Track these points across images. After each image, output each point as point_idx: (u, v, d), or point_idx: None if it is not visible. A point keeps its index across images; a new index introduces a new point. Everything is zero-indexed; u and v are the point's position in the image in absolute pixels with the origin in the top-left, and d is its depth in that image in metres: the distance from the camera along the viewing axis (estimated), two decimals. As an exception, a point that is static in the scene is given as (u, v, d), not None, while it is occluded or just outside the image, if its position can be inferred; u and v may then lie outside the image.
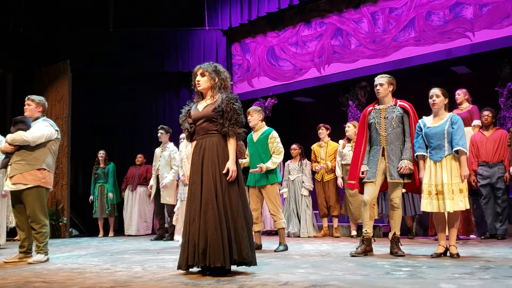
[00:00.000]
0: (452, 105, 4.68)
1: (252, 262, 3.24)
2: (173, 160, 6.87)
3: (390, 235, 4.29)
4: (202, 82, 3.42)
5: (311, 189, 6.94)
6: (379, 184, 4.27)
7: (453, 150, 3.93)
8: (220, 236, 3.10)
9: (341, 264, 3.66)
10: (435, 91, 4.11)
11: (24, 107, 4.58)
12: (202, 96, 3.50)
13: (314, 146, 7.05)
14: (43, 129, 4.40)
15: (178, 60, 9.33)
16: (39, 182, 4.34)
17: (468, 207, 3.96)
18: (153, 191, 7.08)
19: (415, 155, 4.14)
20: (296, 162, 7.01)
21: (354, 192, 6.00)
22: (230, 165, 3.25)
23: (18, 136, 4.30)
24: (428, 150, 4.07)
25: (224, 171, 3.24)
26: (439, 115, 4.10)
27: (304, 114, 9.80)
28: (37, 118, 4.53)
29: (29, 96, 4.63)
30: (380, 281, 2.87)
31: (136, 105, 9.57)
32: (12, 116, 5.78)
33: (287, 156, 6.41)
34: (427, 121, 4.14)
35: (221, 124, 3.32)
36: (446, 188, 3.89)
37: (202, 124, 3.37)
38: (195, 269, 3.37)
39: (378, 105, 4.37)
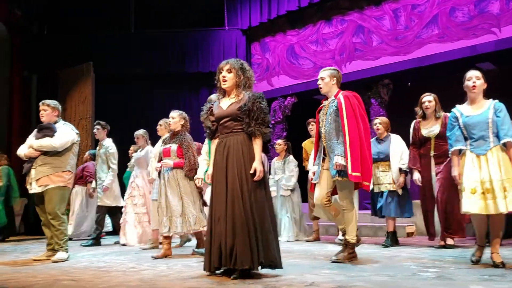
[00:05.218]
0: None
1: (277, 265, 3.12)
2: (111, 158, 6.23)
3: (345, 239, 3.86)
4: (228, 78, 3.26)
5: (291, 187, 6.15)
6: (326, 184, 3.88)
7: (501, 142, 3.37)
8: (248, 237, 2.99)
9: (366, 265, 3.61)
10: (474, 73, 3.54)
11: (40, 113, 4.58)
12: (224, 93, 3.37)
13: (306, 143, 6.29)
14: (68, 134, 4.51)
15: (198, 60, 9.42)
16: (65, 183, 4.48)
17: None
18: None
19: (451, 149, 3.58)
20: (281, 160, 6.29)
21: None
22: (257, 165, 3.12)
23: (47, 143, 4.38)
24: (468, 142, 3.50)
25: (252, 171, 3.12)
26: (477, 102, 3.52)
27: (325, 113, 9.70)
28: (55, 122, 4.58)
29: (43, 101, 4.62)
30: (408, 282, 2.82)
31: (156, 106, 9.62)
32: (37, 117, 5.87)
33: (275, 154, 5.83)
34: (464, 110, 3.57)
35: (247, 124, 3.19)
36: (497, 185, 3.26)
37: (226, 122, 3.25)
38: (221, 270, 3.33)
39: (326, 100, 4.09)
